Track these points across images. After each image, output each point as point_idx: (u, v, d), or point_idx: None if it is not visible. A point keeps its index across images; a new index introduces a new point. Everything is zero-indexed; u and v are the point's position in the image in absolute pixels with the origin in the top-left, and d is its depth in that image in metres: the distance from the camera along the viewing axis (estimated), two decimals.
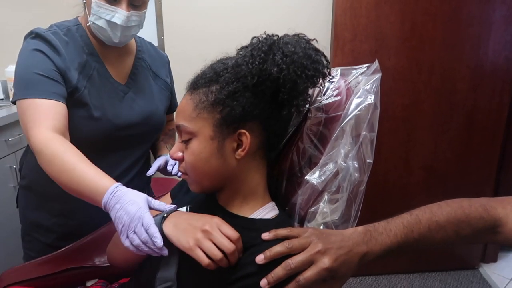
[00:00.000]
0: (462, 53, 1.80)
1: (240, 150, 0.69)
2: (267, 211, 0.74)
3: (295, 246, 0.63)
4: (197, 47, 2.10)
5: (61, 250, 1.03)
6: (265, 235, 0.66)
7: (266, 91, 0.68)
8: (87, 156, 0.86)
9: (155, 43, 2.10)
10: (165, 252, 0.68)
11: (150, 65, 1.18)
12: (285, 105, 0.72)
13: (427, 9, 1.74)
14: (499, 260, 2.22)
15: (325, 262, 0.62)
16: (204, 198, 0.80)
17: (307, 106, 0.75)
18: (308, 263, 0.62)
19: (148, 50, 1.20)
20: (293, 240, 0.64)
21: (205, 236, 0.65)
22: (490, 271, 2.14)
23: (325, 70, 0.70)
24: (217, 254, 0.63)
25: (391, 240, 0.67)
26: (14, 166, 1.83)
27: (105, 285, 1.00)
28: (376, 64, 0.77)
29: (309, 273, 0.61)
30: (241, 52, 0.71)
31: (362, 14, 1.73)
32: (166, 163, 1.16)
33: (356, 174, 0.76)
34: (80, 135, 1.00)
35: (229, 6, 2.04)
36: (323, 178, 0.74)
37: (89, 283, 1.04)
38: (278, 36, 0.70)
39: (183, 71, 2.10)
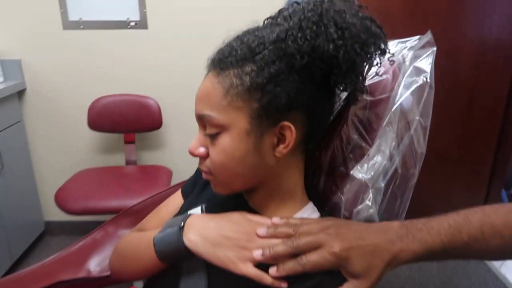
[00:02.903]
0: (466, 28, 1.72)
1: (282, 146, 0.57)
2: (308, 213, 0.63)
3: (303, 229, 0.55)
4: (182, 22, 1.92)
5: (47, 260, 0.89)
6: (261, 231, 0.56)
7: (316, 73, 0.55)
8: None
9: (137, 17, 1.92)
10: None
11: None
12: (334, 90, 0.59)
13: None
14: None
15: (334, 246, 0.52)
16: (227, 195, 0.67)
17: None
18: (314, 246, 0.53)
19: None
20: (304, 226, 0.56)
21: (248, 246, 0.55)
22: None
23: (384, 46, 0.58)
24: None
25: (433, 238, 0.55)
26: None
27: None
28: (429, 36, 0.65)
29: (313, 255, 0.52)
30: (281, 22, 0.57)
31: None
32: None
33: (405, 166, 0.66)
34: None
35: None
36: (372, 173, 0.63)
37: None
38: (325, 1, 0.56)
39: (167, 47, 1.94)
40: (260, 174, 0.59)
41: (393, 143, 0.64)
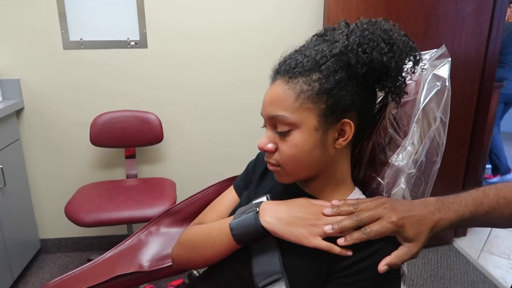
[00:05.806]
0: (440, 45, 1.94)
1: (341, 139, 0.69)
2: (357, 196, 0.75)
3: (362, 207, 0.67)
4: (180, 41, 2.03)
5: (97, 259, 0.96)
6: (327, 211, 0.67)
7: (370, 80, 0.68)
8: None
9: (137, 37, 2.01)
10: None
11: None
12: (377, 93, 0.73)
13: (409, 4, 1.84)
14: (468, 233, 2.44)
15: (391, 216, 0.65)
16: (283, 187, 0.79)
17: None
18: (375, 218, 0.65)
19: None
20: (361, 204, 0.68)
21: (317, 223, 0.66)
22: (462, 244, 2.34)
23: (419, 57, 0.73)
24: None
25: (463, 208, 0.70)
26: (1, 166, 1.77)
27: None
28: (443, 49, 0.81)
29: (375, 226, 0.65)
30: (336, 38, 0.70)
31: (353, 7, 1.79)
32: None
33: (430, 155, 0.80)
34: None
35: (215, 1, 2.00)
36: (406, 161, 0.77)
37: None
38: (375, 21, 0.71)
39: (167, 66, 2.04)
40: (322, 163, 0.71)
41: (420, 136, 0.78)
